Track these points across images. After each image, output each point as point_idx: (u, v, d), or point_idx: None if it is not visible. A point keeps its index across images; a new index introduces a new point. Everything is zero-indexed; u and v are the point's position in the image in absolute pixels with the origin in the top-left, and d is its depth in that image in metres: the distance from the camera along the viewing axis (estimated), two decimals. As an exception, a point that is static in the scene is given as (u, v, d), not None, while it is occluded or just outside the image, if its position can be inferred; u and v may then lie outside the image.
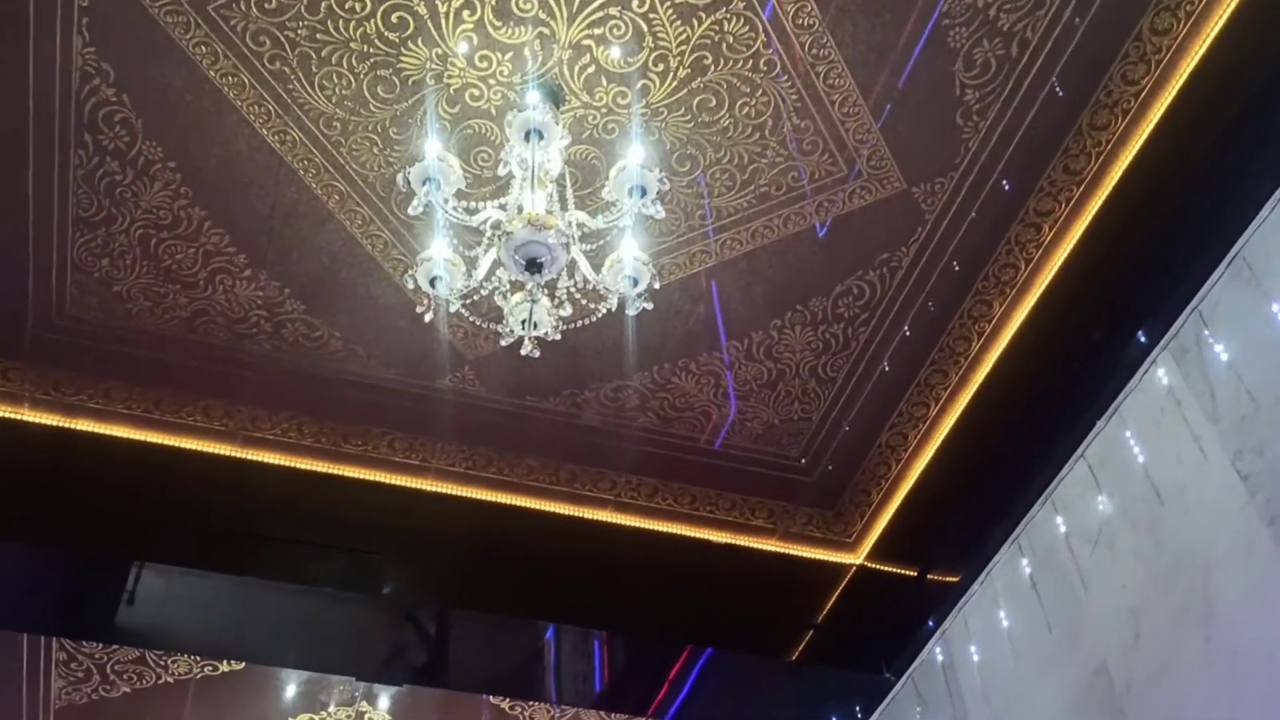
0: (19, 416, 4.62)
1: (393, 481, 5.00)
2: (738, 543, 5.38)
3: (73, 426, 4.68)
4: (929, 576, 5.18)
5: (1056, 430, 4.38)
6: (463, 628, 5.37)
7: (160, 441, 4.78)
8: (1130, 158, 4.05)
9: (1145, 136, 3.99)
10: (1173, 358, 3.79)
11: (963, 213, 4.26)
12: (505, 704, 6.02)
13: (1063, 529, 4.20)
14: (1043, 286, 4.41)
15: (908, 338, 4.65)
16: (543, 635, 5.42)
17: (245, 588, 4.98)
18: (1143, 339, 3.97)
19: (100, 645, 5.52)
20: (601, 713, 6.08)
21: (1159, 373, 3.85)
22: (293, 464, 4.90)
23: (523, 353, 3.58)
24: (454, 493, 5.09)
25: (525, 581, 5.32)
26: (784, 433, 5.04)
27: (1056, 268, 4.34)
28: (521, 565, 5.30)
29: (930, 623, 4.96)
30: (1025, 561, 4.38)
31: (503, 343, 3.58)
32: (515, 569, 5.29)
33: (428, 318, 3.47)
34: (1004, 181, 4.15)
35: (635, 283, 3.51)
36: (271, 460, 4.88)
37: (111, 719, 5.93)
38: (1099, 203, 4.16)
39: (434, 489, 5.07)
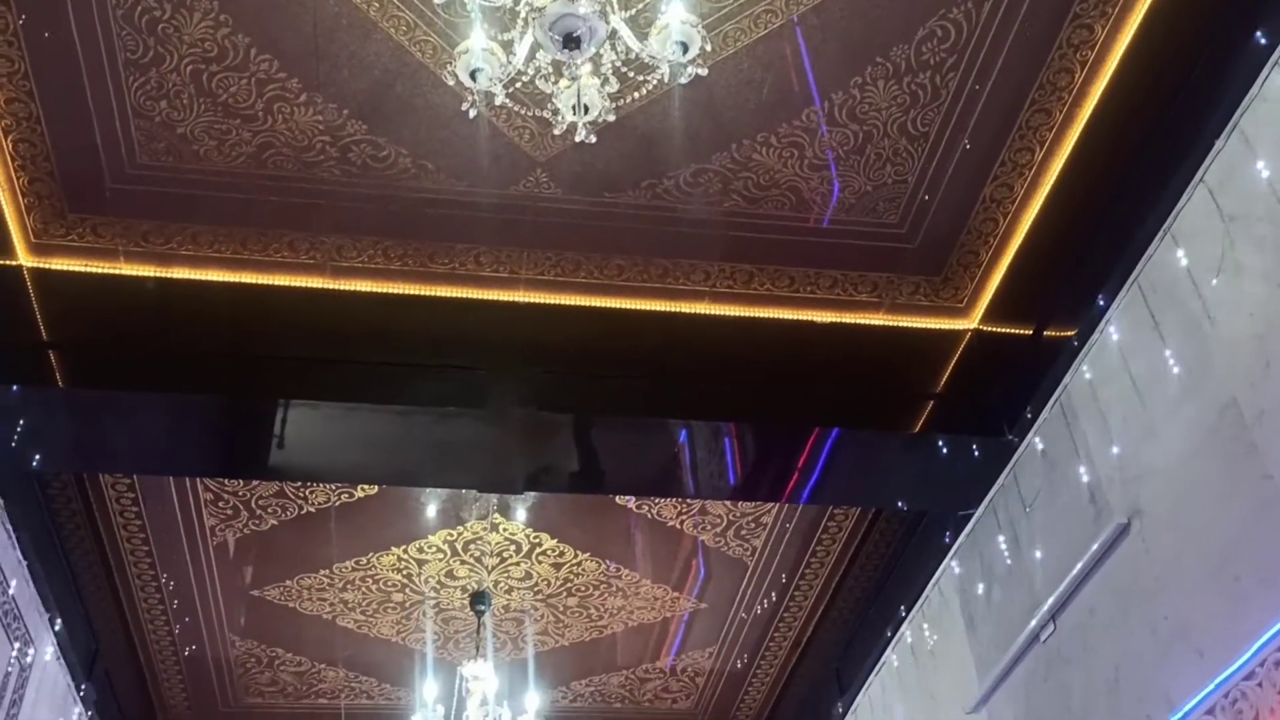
0: (118, 271, 4.73)
1: (485, 296, 4.98)
2: (844, 321, 5.23)
3: (169, 275, 4.77)
4: (1046, 333, 4.94)
5: (1172, 157, 4.03)
6: (585, 435, 5.40)
7: (254, 281, 4.85)
8: None
9: None
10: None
11: (1049, -74, 3.83)
12: (632, 503, 6.11)
13: (1184, 262, 3.90)
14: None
15: (1003, 78, 4.29)
16: (669, 433, 5.40)
17: (361, 415, 5.08)
18: (1262, 40, 3.55)
19: (242, 483, 5.78)
20: (728, 503, 6.12)
21: (1283, 75, 3.45)
22: (385, 289, 4.92)
23: (578, 139, 3.41)
24: (548, 301, 5.05)
25: (634, 381, 5.30)
26: (879, 199, 4.78)
27: (1162, -25, 3.90)
28: (625, 366, 5.27)
29: (1051, 379, 4.75)
30: (1146, 302, 4.10)
31: (555, 131, 3.42)
32: (619, 371, 5.26)
33: (472, 114, 3.31)
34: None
35: (684, 49, 3.26)
36: (363, 288, 4.91)
37: (264, 550, 6.29)
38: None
39: (528, 299, 5.04)
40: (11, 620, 5.13)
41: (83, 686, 6.14)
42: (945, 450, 5.32)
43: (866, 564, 6.48)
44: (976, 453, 5.24)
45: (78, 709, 6.14)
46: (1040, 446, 4.83)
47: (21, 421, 4.78)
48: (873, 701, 6.40)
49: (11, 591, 5.11)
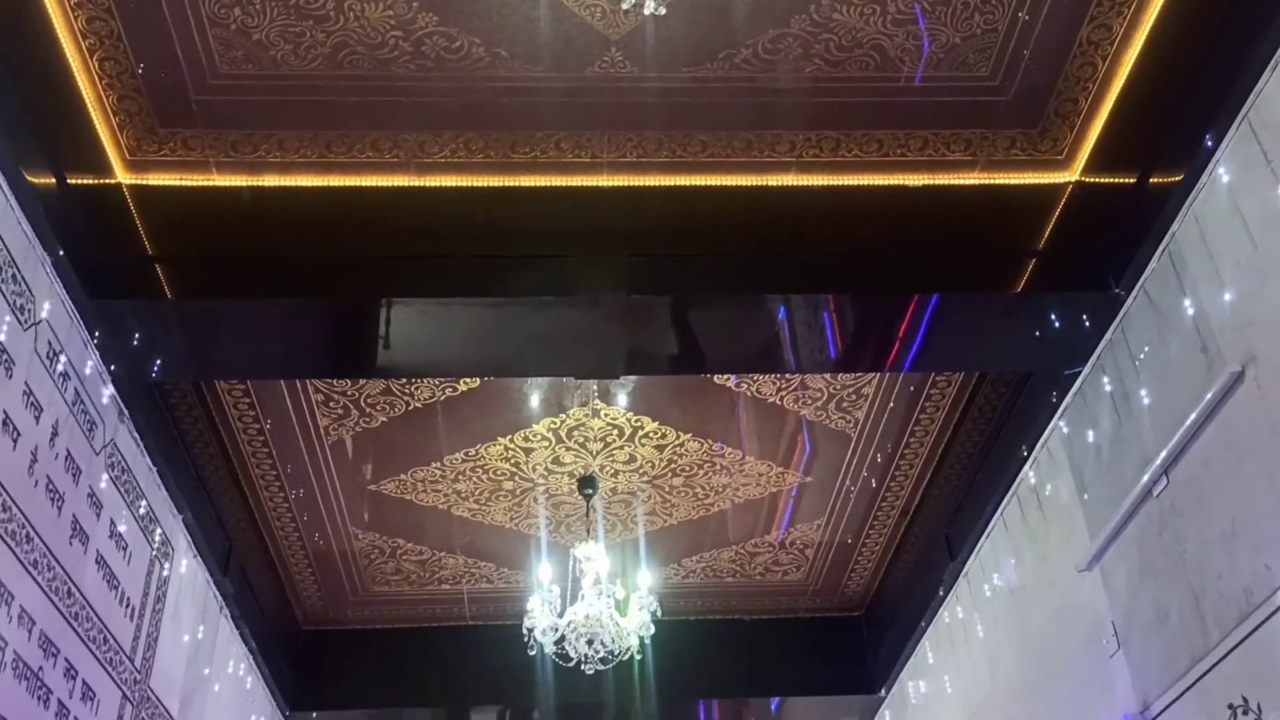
0: (211, 183, 4.83)
1: (569, 183, 4.97)
2: (938, 182, 5.08)
3: (261, 183, 4.86)
4: (1151, 179, 4.73)
5: (1286, -21, 3.76)
6: (679, 316, 5.39)
7: (343, 184, 4.91)
8: None
9: None
10: None
11: None
12: (731, 382, 6.12)
13: (1298, 92, 3.67)
14: None
15: (1095, -91, 4.04)
16: (765, 309, 5.36)
17: (455, 310, 5.17)
18: None
19: (350, 383, 5.95)
20: (828, 376, 6.09)
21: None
22: (469, 183, 4.93)
23: (648, 11, 3.34)
24: (632, 184, 5.01)
25: (725, 260, 5.26)
26: (968, 51, 4.58)
27: None
28: (715, 244, 5.22)
29: (1158, 227, 4.56)
30: (1257, 139, 3.89)
31: (625, 6, 3.34)
32: (709, 250, 5.22)
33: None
34: None
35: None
36: (449, 183, 4.93)
37: (377, 446, 6.50)
38: None
39: (611, 184, 5.00)
40: (149, 523, 5.43)
41: (220, 582, 6.49)
42: (1049, 308, 5.18)
43: (972, 429, 6.41)
44: (1082, 309, 5.10)
45: (218, 603, 6.50)
46: (1148, 298, 4.67)
47: (137, 335, 4.97)
48: (984, 565, 6.40)
49: (145, 496, 5.39)
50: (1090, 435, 5.20)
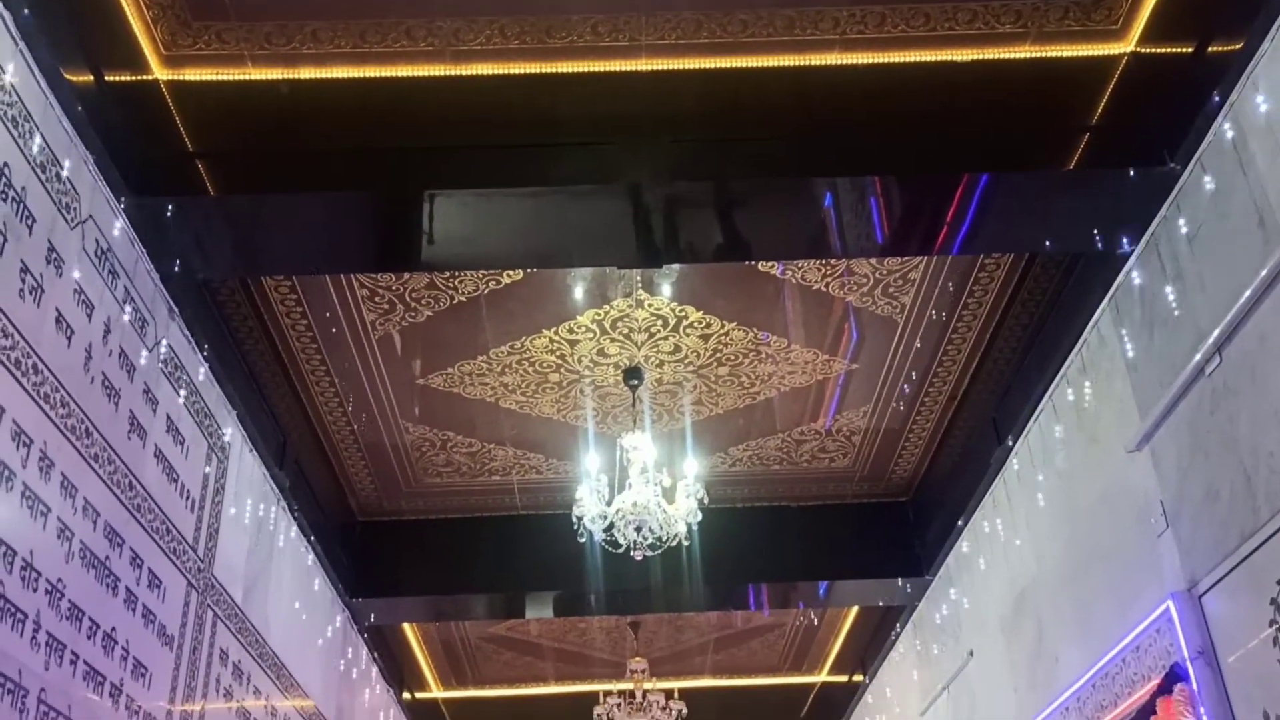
0: (248, 76, 4.79)
1: (607, 68, 4.87)
2: (987, 57, 4.91)
3: (297, 76, 4.82)
4: (1210, 48, 4.54)
5: None
6: (722, 202, 5.33)
7: (379, 74, 4.84)
8: None
9: None
10: None
11: None
12: (775, 269, 6.07)
13: (1370, -53, 3.48)
14: None
15: None
16: (810, 193, 5.26)
17: (495, 201, 5.13)
18: None
19: (394, 278, 5.98)
20: (874, 261, 6.02)
21: None
22: (505, 70, 4.84)
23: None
24: (672, 67, 4.89)
25: (768, 143, 5.17)
26: (1019, -83, 4.39)
27: None
28: (758, 128, 5.13)
29: (1215, 99, 4.40)
30: (1324, -1, 3.71)
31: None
32: (752, 133, 5.13)
33: None
34: None
35: None
36: (485, 71, 4.85)
37: (424, 340, 6.55)
38: None
39: (650, 68, 4.89)
40: (203, 418, 5.54)
41: (276, 475, 6.64)
42: (1103, 186, 5.05)
43: (1021, 312, 6.33)
44: (1136, 185, 4.96)
45: (275, 495, 6.67)
46: (1205, 173, 4.53)
47: (182, 232, 5.01)
48: (1031, 449, 6.38)
49: (199, 391, 5.49)
50: (1142, 315, 5.11)
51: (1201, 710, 4.54)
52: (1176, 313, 4.79)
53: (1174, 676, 4.70)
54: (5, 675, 3.66)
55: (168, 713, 5.01)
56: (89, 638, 4.27)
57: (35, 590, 3.89)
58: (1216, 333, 4.43)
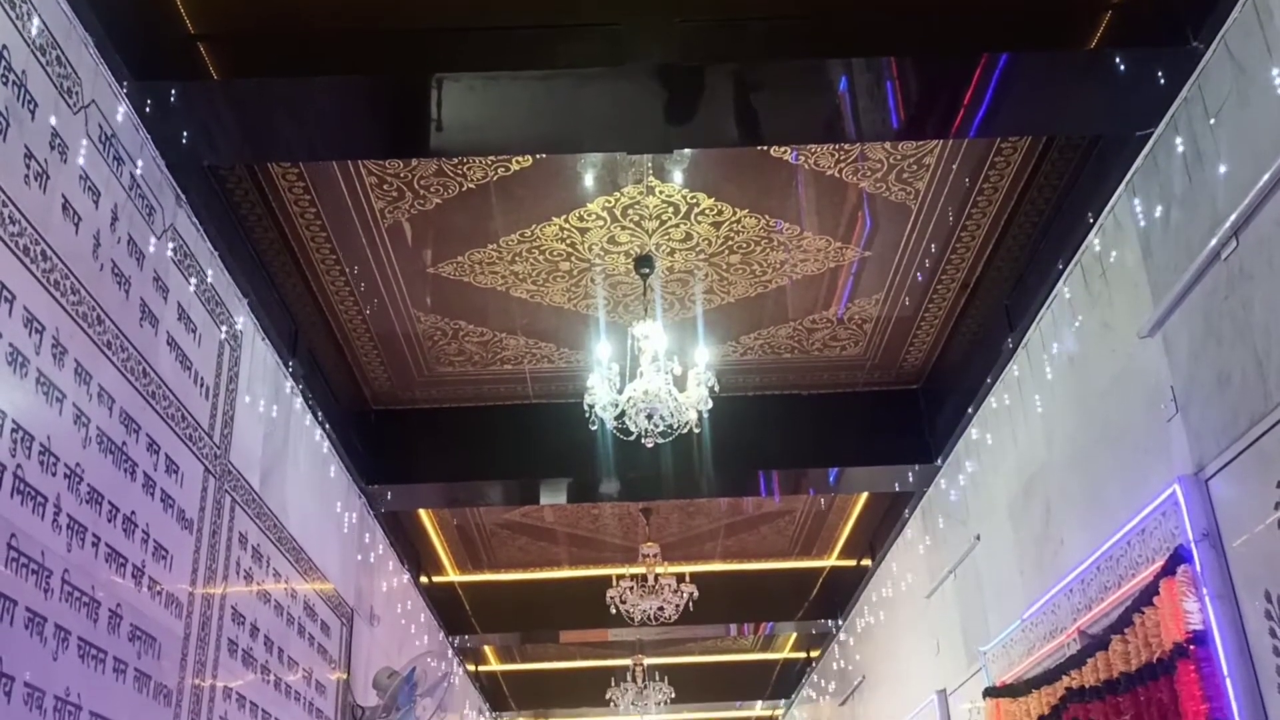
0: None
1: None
2: (1008, -69, 4.76)
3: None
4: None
5: None
6: (731, 84, 5.22)
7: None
8: None
9: None
10: None
11: None
12: (788, 154, 5.98)
13: None
14: None
15: None
16: (823, 74, 5.13)
17: (501, 84, 5.03)
18: None
19: (402, 165, 5.92)
20: (888, 146, 5.92)
21: None
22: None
23: None
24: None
25: (779, 22, 5.04)
26: None
27: None
28: (769, 6, 5.01)
29: (1244, -28, 4.26)
30: None
31: None
32: (762, 12, 5.00)
33: None
34: None
35: None
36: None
37: (433, 228, 6.52)
38: None
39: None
40: (214, 305, 5.55)
41: (289, 363, 6.68)
42: (1123, 66, 4.92)
43: (1037, 197, 6.25)
44: (1158, 65, 4.84)
45: (289, 383, 6.72)
46: (1228, 52, 4.42)
47: (186, 117, 4.95)
48: (1043, 336, 6.36)
49: (210, 279, 5.49)
50: (1159, 199, 5.04)
51: (1204, 591, 4.61)
52: (1195, 196, 4.72)
53: (1178, 558, 4.75)
54: (29, 556, 3.75)
55: (189, 594, 5.13)
56: (109, 521, 4.35)
57: (54, 475, 3.95)
58: (1234, 217, 4.37)
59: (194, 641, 5.15)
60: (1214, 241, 4.51)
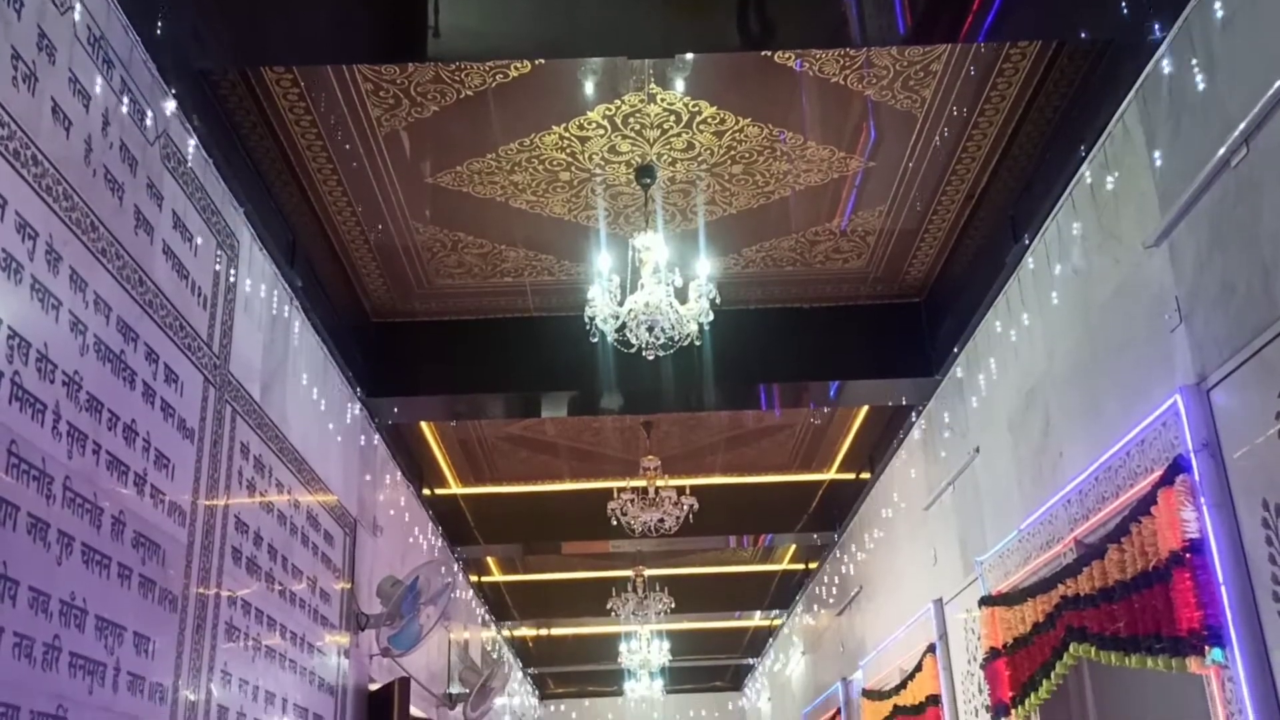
0: None
1: None
2: None
3: None
4: None
5: None
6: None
7: None
8: None
9: None
10: None
11: None
12: (791, 61, 5.86)
13: None
14: None
15: None
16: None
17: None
18: None
19: (399, 70, 5.80)
20: (893, 52, 5.80)
21: None
22: None
23: None
24: None
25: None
26: None
27: None
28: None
29: None
30: None
31: None
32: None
33: None
34: None
35: None
36: None
37: (430, 137, 6.42)
38: None
39: None
40: (210, 215, 5.49)
41: (288, 275, 6.64)
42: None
43: (1045, 105, 6.14)
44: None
45: (288, 294, 6.68)
46: (1247, -50, 4.29)
47: (176, 18, 4.84)
48: (1048, 246, 6.30)
49: (204, 188, 5.42)
50: (1170, 106, 4.94)
51: (1202, 500, 4.63)
52: (1206, 102, 4.63)
53: (1176, 468, 4.76)
54: (29, 463, 3.75)
55: (192, 503, 5.16)
56: (109, 429, 4.36)
57: (53, 382, 3.94)
58: (1245, 123, 4.29)
59: (198, 549, 5.20)
60: (1224, 149, 4.44)
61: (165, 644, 4.79)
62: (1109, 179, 5.54)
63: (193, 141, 5.27)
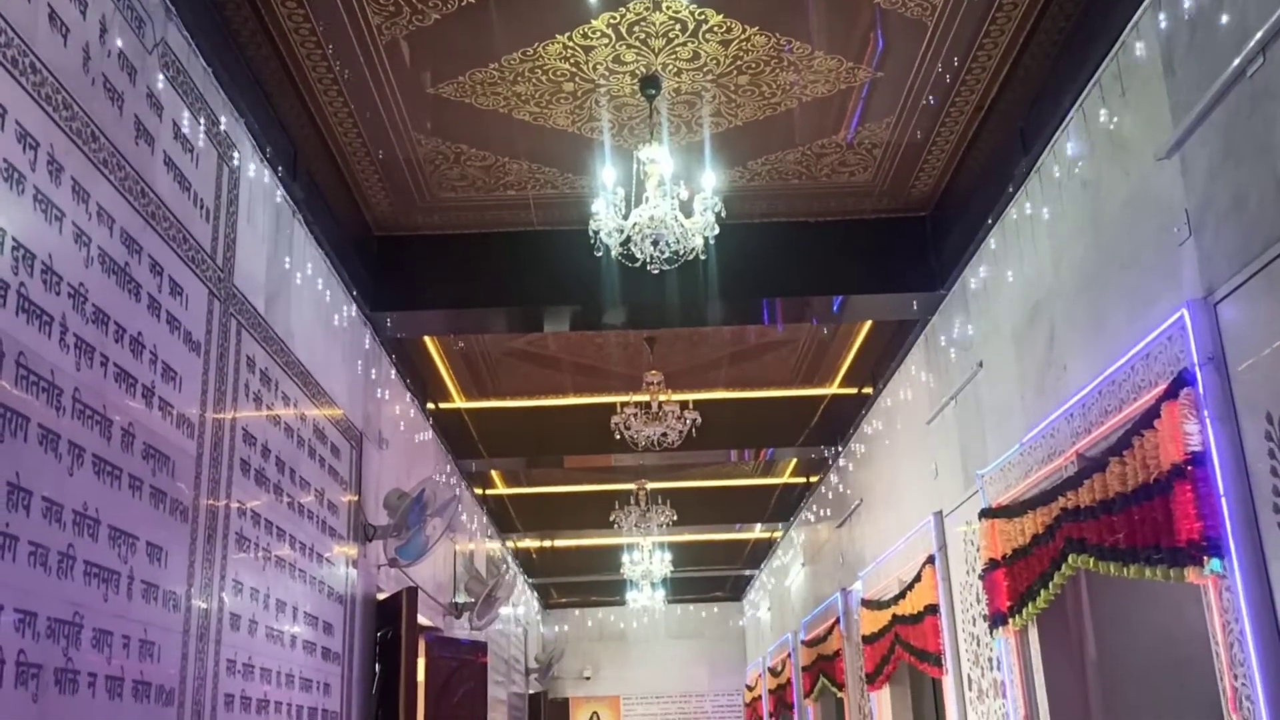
0: None
1: None
2: None
3: None
4: None
5: None
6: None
7: None
8: None
9: None
10: None
11: None
12: (800, -33, 5.73)
13: None
14: None
15: None
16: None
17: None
18: None
19: (399, -23, 5.68)
20: (905, -42, 5.67)
21: None
22: None
23: None
24: None
25: None
26: None
27: None
28: None
29: None
30: None
31: None
32: None
33: None
34: None
35: None
36: None
37: (431, 46, 6.32)
38: None
39: None
40: (211, 125, 5.43)
41: (290, 187, 6.58)
42: None
43: (1058, 14, 6.03)
44: None
45: (290, 207, 6.63)
46: None
47: (172, -76, 4.73)
48: (1058, 157, 6.23)
49: (204, 99, 5.35)
50: (1185, 14, 4.84)
51: (1205, 413, 4.65)
52: (1222, 9, 4.54)
53: (1181, 382, 4.77)
54: (38, 374, 3.76)
55: (200, 416, 5.19)
56: (116, 341, 4.36)
57: (58, 294, 3.93)
58: (1262, 32, 4.21)
59: (207, 461, 5.24)
60: (1239, 59, 4.37)
61: (177, 553, 4.86)
62: (1121, 89, 5.46)
63: (192, 50, 5.19)
